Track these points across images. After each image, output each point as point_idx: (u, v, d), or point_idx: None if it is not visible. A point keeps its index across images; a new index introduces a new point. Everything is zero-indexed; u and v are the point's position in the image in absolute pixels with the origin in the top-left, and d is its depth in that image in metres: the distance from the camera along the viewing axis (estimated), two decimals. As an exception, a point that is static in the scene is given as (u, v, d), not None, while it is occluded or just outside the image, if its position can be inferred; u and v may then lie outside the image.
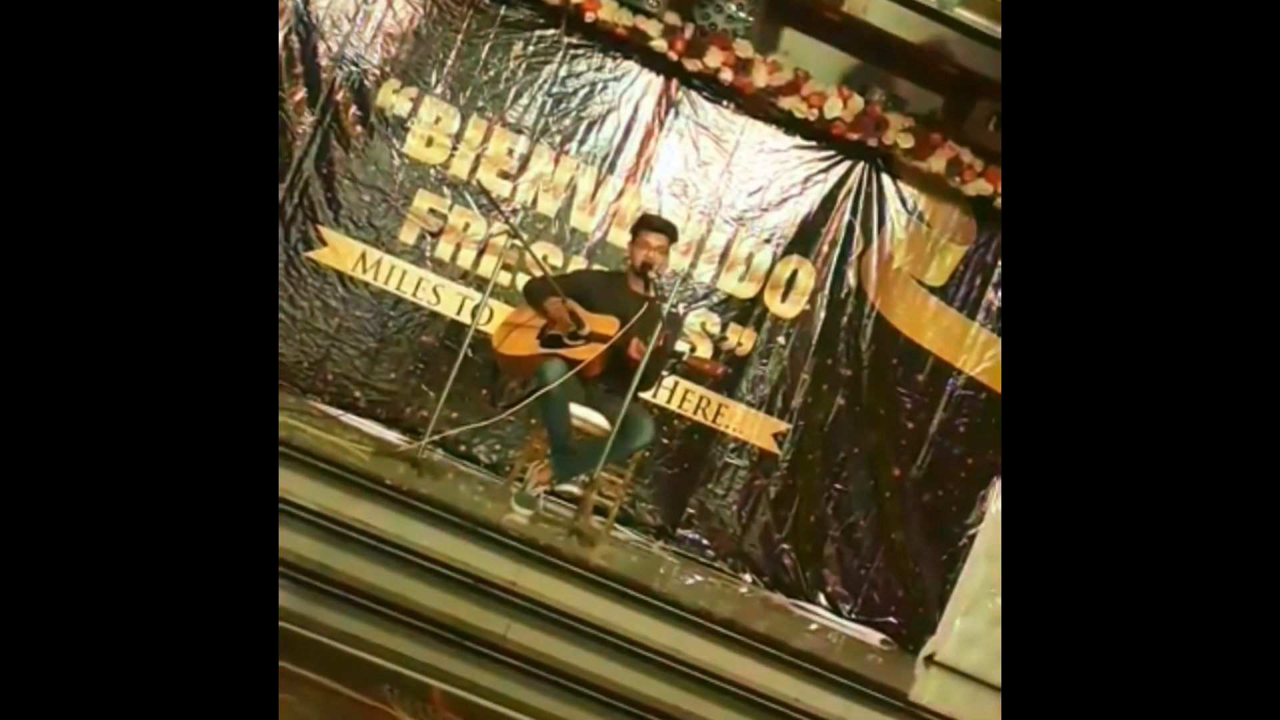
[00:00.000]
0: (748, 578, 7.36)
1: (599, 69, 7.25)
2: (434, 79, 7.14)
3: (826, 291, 7.42)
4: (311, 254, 7.06)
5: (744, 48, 7.05)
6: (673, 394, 7.32)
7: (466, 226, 7.18)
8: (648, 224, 6.30)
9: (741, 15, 7.16)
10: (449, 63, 7.15)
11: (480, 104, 7.19)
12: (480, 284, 6.90)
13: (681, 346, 6.40)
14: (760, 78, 7.06)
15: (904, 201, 7.43)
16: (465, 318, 6.96)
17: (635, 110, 7.27)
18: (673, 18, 7.05)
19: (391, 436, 6.82)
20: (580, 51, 7.23)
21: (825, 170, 7.39)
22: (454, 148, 7.17)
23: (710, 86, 7.24)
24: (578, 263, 7.18)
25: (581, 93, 7.25)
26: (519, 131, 7.21)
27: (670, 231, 6.28)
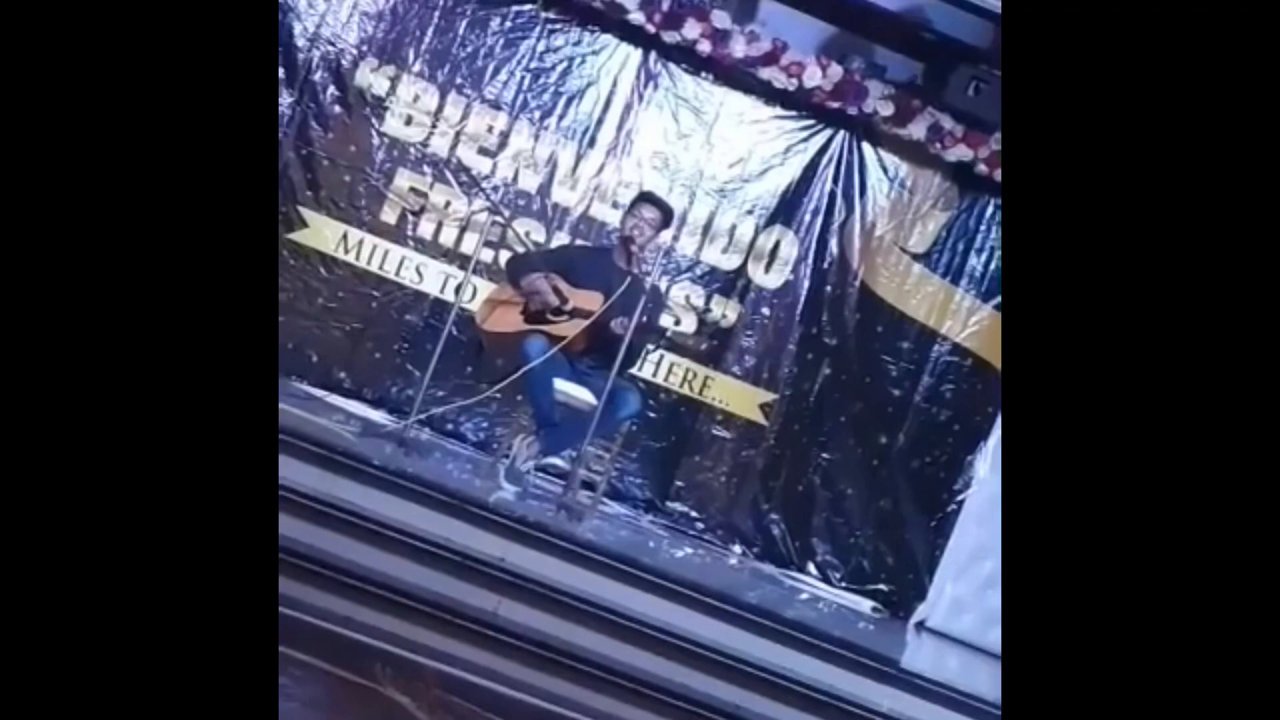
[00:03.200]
0: (737, 549, 7.37)
1: (576, 43, 7.21)
2: (411, 57, 7.10)
3: (810, 261, 7.41)
4: (293, 235, 7.02)
5: (721, 19, 7.02)
6: (658, 367, 7.31)
7: (448, 204, 7.16)
8: (646, 198, 6.33)
9: (718, -14, 7.14)
10: (426, 40, 7.10)
11: (459, 81, 7.14)
12: (463, 262, 6.88)
13: (666, 320, 6.40)
14: (738, 48, 7.03)
15: (885, 169, 7.42)
16: (449, 296, 6.94)
17: (614, 84, 7.24)
18: (650, -10, 7.03)
19: (377, 416, 6.82)
20: (558, 26, 7.19)
21: (806, 140, 7.37)
22: (433, 125, 7.13)
23: (689, 58, 7.20)
24: (560, 238, 7.16)
25: (560, 68, 7.22)
26: (498, 108, 7.17)
27: (666, 211, 6.30)
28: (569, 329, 5.93)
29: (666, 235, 7.11)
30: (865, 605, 7.29)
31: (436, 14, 7.09)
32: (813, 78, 7.08)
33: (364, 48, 7.06)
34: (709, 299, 7.33)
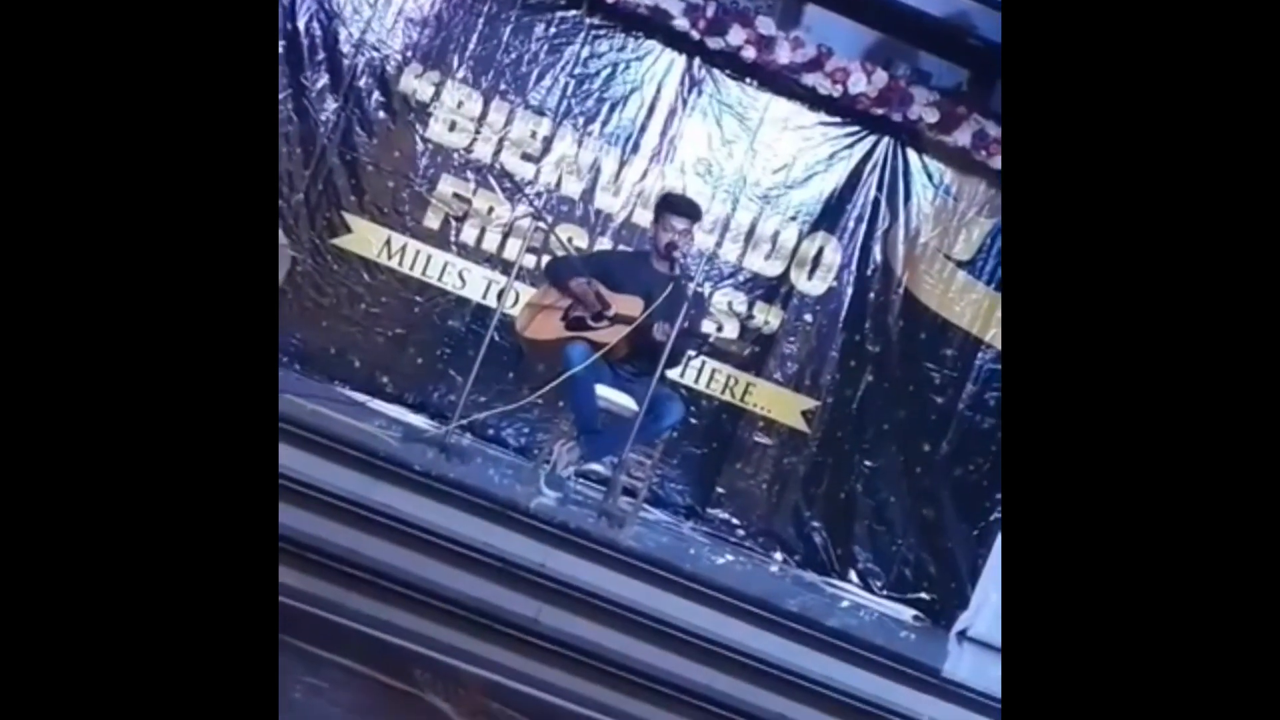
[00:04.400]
0: (778, 556, 7.35)
1: (621, 49, 7.22)
2: (456, 63, 7.13)
3: (853, 268, 7.38)
4: (337, 241, 7.07)
5: (766, 25, 7.01)
6: (700, 373, 7.30)
7: (491, 210, 7.17)
8: (670, 205, 6.28)
9: (763, -8, 7.14)
10: (470, 46, 7.13)
11: (502, 87, 7.17)
12: (505, 267, 6.90)
13: (708, 326, 6.40)
14: (783, 54, 7.02)
15: (930, 176, 7.39)
16: (491, 301, 6.97)
17: (658, 90, 7.24)
18: (694, -4, 7.03)
19: (419, 421, 6.83)
20: (602, 32, 7.20)
21: (850, 146, 7.35)
22: (477, 131, 7.15)
23: (733, 64, 7.20)
24: (603, 244, 7.17)
25: (604, 73, 7.23)
26: (542, 114, 7.19)
27: (694, 212, 6.27)
28: (610, 335, 5.92)
29: (708, 240, 7.11)
30: (907, 614, 7.25)
31: (481, 20, 7.11)
32: (857, 84, 7.06)
33: (409, 54, 7.09)
34: (751, 305, 7.31)
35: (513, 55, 7.16)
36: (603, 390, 5.99)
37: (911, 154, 7.37)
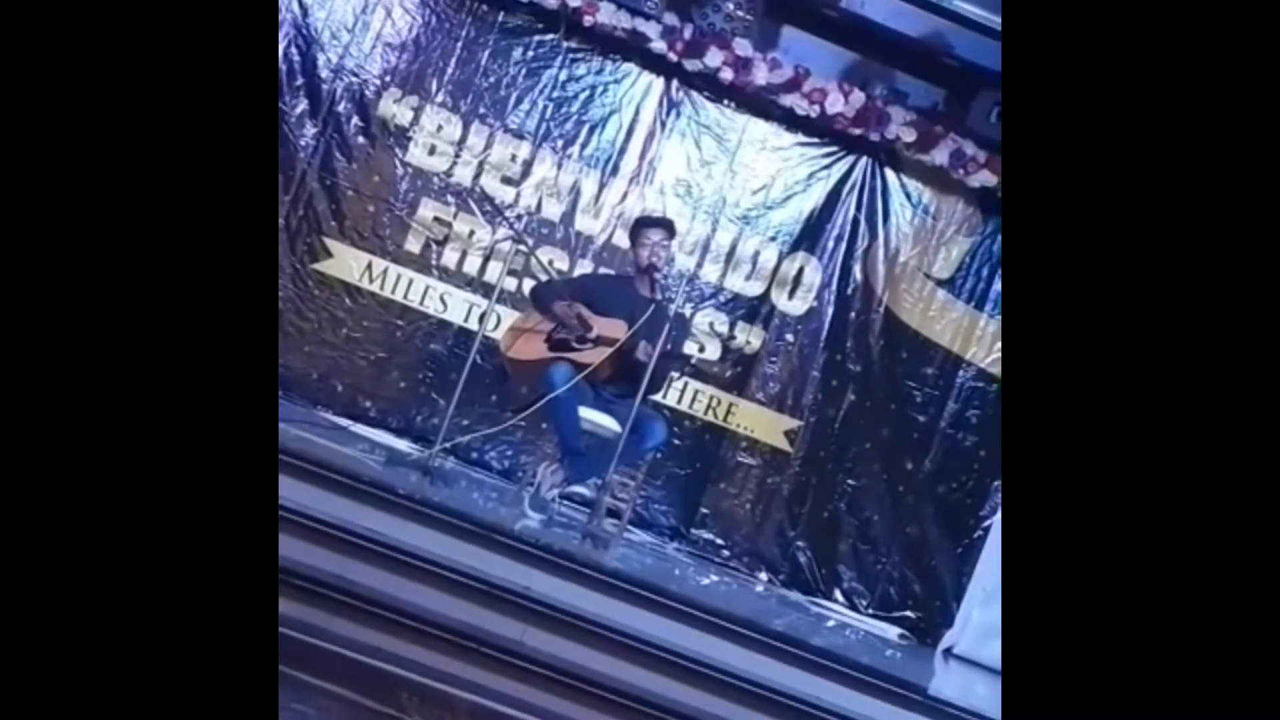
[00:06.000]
0: (763, 576, 7.35)
1: (599, 72, 7.25)
2: (434, 87, 7.15)
3: (833, 287, 7.41)
4: (317, 265, 7.07)
5: (743, 46, 7.04)
6: (683, 394, 7.31)
7: (471, 233, 7.19)
8: (644, 222, 6.34)
9: (740, 14, 7.17)
10: (449, 70, 7.15)
11: (481, 110, 7.19)
12: (487, 290, 6.90)
13: (690, 347, 6.41)
14: (760, 76, 7.05)
15: (908, 195, 7.42)
16: (473, 324, 6.97)
17: (636, 112, 7.27)
18: (671, 19, 7.05)
19: (402, 445, 6.83)
20: (580, 55, 7.23)
21: (828, 166, 7.39)
22: (456, 155, 7.17)
23: (711, 86, 7.24)
24: (584, 266, 7.18)
25: (582, 96, 7.26)
26: (521, 137, 7.21)
27: (668, 227, 6.29)
28: (593, 356, 5.92)
29: (689, 261, 7.13)
30: (892, 632, 7.25)
31: (459, 44, 7.14)
32: (835, 104, 7.10)
33: (387, 78, 7.11)
34: (733, 326, 7.33)
35: (491, 79, 7.19)
36: (586, 412, 5.99)
37: (889, 173, 7.41)
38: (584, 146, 7.26)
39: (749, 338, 7.34)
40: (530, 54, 7.20)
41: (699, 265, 7.30)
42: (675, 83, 7.26)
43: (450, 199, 7.18)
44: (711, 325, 7.29)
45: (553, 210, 7.24)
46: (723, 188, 7.34)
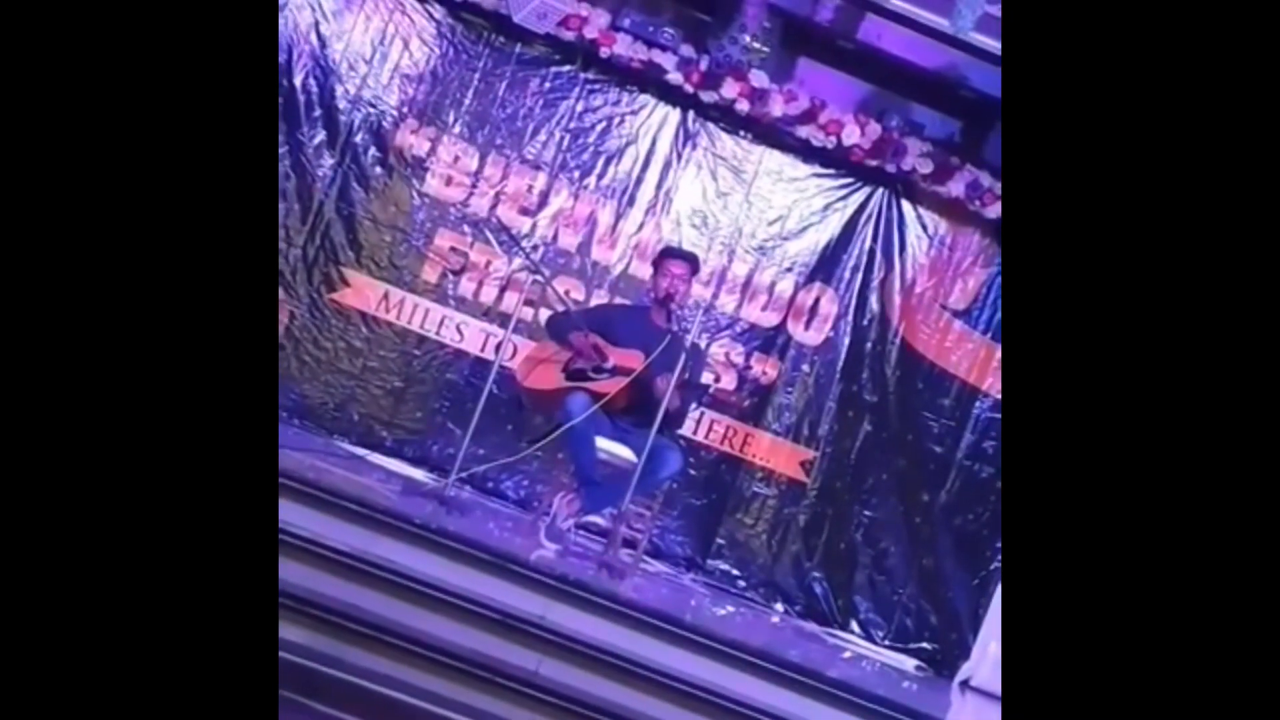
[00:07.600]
0: (779, 607, 7.32)
1: (615, 103, 7.27)
2: (451, 118, 7.18)
3: (850, 318, 7.40)
4: (334, 295, 7.09)
5: (759, 78, 7.06)
6: (699, 424, 7.30)
7: (488, 263, 7.20)
8: (670, 252, 6.38)
9: (756, 46, 7.19)
10: (466, 101, 7.18)
11: (498, 141, 7.21)
12: (503, 320, 6.91)
13: (706, 378, 6.40)
14: (777, 107, 7.07)
15: (924, 226, 7.42)
16: (489, 354, 6.98)
17: (653, 143, 7.28)
18: (688, 50, 7.08)
19: (418, 475, 6.83)
20: (596, 86, 7.25)
21: (844, 197, 7.38)
22: (473, 186, 7.20)
23: (727, 117, 7.25)
24: (600, 296, 7.18)
25: (599, 127, 7.28)
26: (537, 168, 7.23)
27: (693, 262, 6.32)
28: (610, 386, 5.93)
29: (705, 291, 7.13)
30: (909, 664, 7.22)
31: (476, 76, 7.17)
32: (851, 136, 7.11)
33: (404, 109, 7.14)
34: (749, 356, 7.32)
35: (508, 110, 7.21)
36: (602, 442, 5.99)
37: (906, 205, 7.40)
38: (600, 177, 7.28)
39: (765, 368, 7.34)
40: (547, 85, 7.22)
41: (715, 296, 7.29)
42: (692, 114, 7.28)
43: (467, 229, 7.20)
44: (728, 355, 7.28)
45: (569, 240, 7.25)
46: (739, 218, 7.34)
